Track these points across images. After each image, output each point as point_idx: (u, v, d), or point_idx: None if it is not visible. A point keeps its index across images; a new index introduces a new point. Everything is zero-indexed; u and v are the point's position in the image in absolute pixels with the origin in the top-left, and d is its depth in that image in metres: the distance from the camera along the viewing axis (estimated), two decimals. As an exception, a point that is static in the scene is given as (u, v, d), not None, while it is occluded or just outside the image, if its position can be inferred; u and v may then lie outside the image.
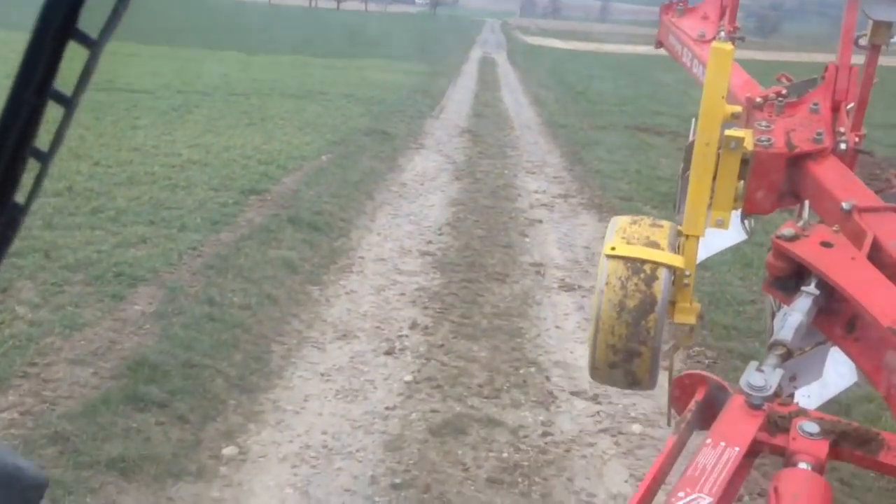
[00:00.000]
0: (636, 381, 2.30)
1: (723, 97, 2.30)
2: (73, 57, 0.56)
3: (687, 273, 2.33)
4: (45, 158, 0.57)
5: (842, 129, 2.54)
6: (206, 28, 46.18)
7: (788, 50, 62.36)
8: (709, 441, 1.49)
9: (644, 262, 2.20)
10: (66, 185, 8.14)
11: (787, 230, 2.08)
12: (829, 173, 2.41)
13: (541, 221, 9.52)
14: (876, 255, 1.97)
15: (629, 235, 2.28)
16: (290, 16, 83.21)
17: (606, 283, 2.22)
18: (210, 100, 17.05)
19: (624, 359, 2.24)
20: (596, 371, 2.34)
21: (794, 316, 1.89)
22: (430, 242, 8.29)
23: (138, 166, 9.35)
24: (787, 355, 1.82)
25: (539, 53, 50.19)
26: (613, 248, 2.25)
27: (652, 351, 2.22)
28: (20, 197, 0.57)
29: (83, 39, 0.56)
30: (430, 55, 36.88)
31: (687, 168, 2.47)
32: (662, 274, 2.20)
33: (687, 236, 2.37)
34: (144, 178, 8.86)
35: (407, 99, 20.17)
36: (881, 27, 2.56)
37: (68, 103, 0.57)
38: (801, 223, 2.14)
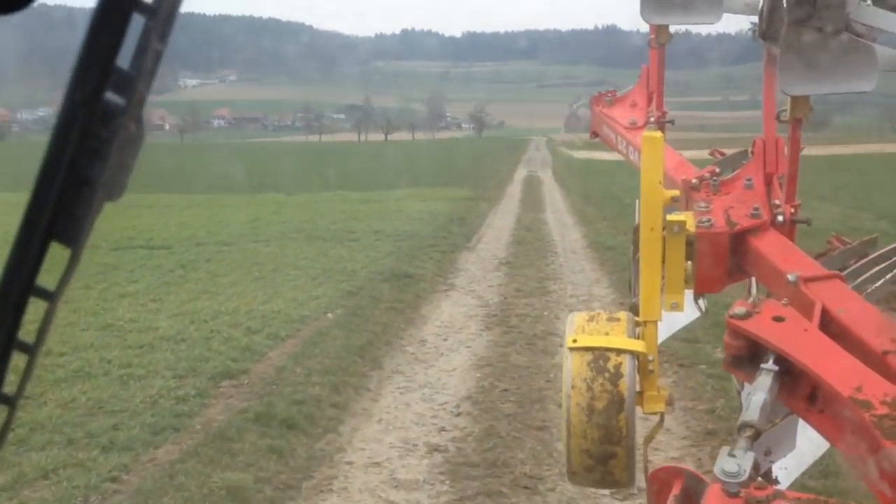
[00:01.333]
0: (615, 481, 2.31)
1: (660, 182, 2.37)
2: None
3: (650, 358, 2.36)
4: (31, 350, 0.58)
5: (777, 202, 2.62)
6: (250, 172, 46.48)
7: (840, 143, 60.54)
8: None
9: (607, 351, 2.24)
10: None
11: (739, 309, 2.04)
12: (770, 247, 2.46)
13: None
14: (827, 324, 2.02)
15: (588, 331, 2.32)
16: (337, 152, 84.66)
17: (573, 387, 2.24)
18: (226, 251, 15.83)
19: (599, 461, 2.26)
20: (574, 475, 2.34)
21: (757, 395, 1.83)
22: (442, 430, 6.47)
23: (96, 352, 7.83)
24: (757, 435, 1.75)
25: (585, 167, 49.06)
26: (575, 341, 2.29)
27: (627, 450, 2.23)
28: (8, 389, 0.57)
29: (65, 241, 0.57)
30: (473, 179, 35.88)
31: (636, 251, 2.52)
32: (627, 368, 2.23)
33: (645, 322, 2.40)
34: (97, 368, 7.31)
35: (441, 230, 18.73)
36: (799, 101, 2.59)
37: (52, 298, 0.58)
38: (751, 299, 2.12)
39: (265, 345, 8.28)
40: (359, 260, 14.32)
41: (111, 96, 0.56)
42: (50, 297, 0.57)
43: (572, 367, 2.26)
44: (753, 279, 2.57)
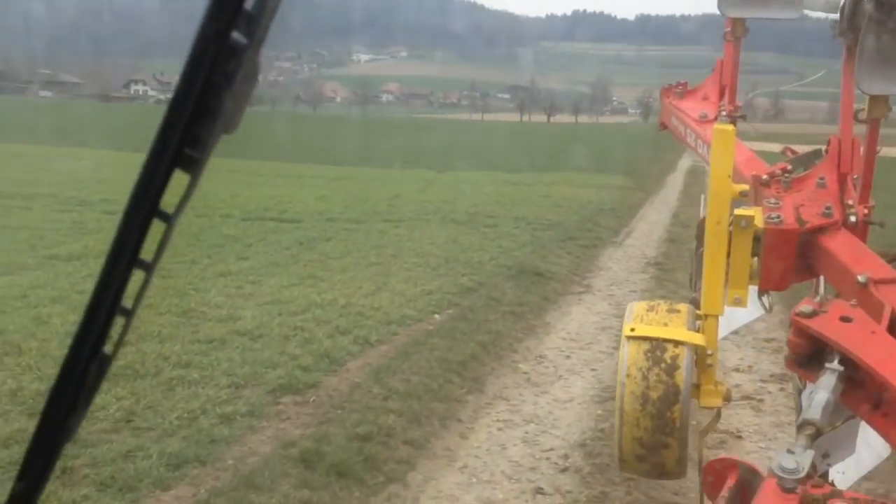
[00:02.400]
0: (666, 472, 2.30)
1: (729, 176, 2.37)
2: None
3: (709, 352, 2.34)
4: (130, 314, 0.63)
5: (850, 202, 2.54)
6: (407, 147, 45.99)
7: None
8: None
9: (664, 343, 2.23)
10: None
11: (805, 307, 2.05)
12: (841, 247, 2.38)
13: (740, 436, 5.95)
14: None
15: (647, 321, 2.31)
16: (498, 131, 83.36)
17: (627, 375, 2.23)
18: (353, 230, 14.82)
19: (651, 451, 2.23)
20: (624, 463, 2.31)
21: (820, 394, 1.84)
22: (539, 493, 4.98)
23: (159, 344, 6.83)
24: (817, 434, 1.77)
25: (759, 159, 45.17)
26: (633, 329, 2.29)
27: (680, 441, 2.21)
28: (108, 348, 0.62)
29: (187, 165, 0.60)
30: (633, 166, 33.54)
31: (700, 246, 2.56)
32: (684, 361, 2.23)
33: (706, 316, 2.40)
34: (149, 365, 6.28)
35: (588, 221, 16.99)
36: (878, 101, 2.49)
37: (148, 268, 0.62)
38: (818, 299, 2.11)
39: (349, 351, 7.03)
40: (489, 249, 12.90)
41: (237, 35, 0.58)
42: (169, 219, 0.61)
43: (628, 356, 2.28)
44: (821, 278, 2.57)
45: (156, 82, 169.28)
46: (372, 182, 26.30)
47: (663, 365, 2.21)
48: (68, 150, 34.95)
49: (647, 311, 2.38)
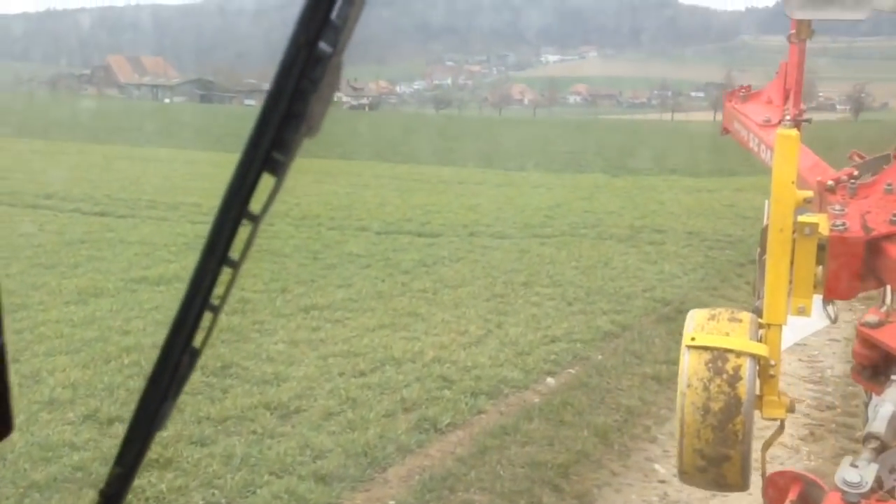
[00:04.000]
0: (727, 484, 2.28)
1: (792, 183, 2.32)
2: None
3: (772, 363, 2.29)
4: (217, 310, 0.65)
5: None
6: (584, 149, 43.35)
7: None
8: None
9: (726, 353, 2.19)
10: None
11: (871, 317, 2.02)
12: None
13: None
14: None
15: (708, 330, 2.27)
16: (687, 131, 78.31)
17: (688, 386, 2.19)
18: (493, 248, 12.85)
19: (713, 463, 2.20)
20: (685, 475, 2.30)
21: (885, 407, 1.79)
22: None
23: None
24: (882, 448, 1.73)
25: None
26: (693, 339, 2.23)
27: (742, 454, 2.17)
28: (197, 343, 0.64)
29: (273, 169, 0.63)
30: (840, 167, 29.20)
31: (763, 252, 2.47)
32: (746, 372, 2.18)
33: (768, 325, 2.33)
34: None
35: (779, 239, 13.98)
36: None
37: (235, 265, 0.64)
38: (884, 309, 2.11)
39: (400, 445, 5.02)
40: (646, 276, 10.49)
41: (323, 45, 0.62)
42: (255, 220, 0.63)
43: (689, 366, 2.25)
44: (888, 288, 2.57)
45: (350, 88, 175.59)
46: (536, 189, 24.19)
47: (725, 376, 2.19)
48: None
49: (709, 320, 2.33)
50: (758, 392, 2.29)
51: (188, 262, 10.85)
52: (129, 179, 22.15)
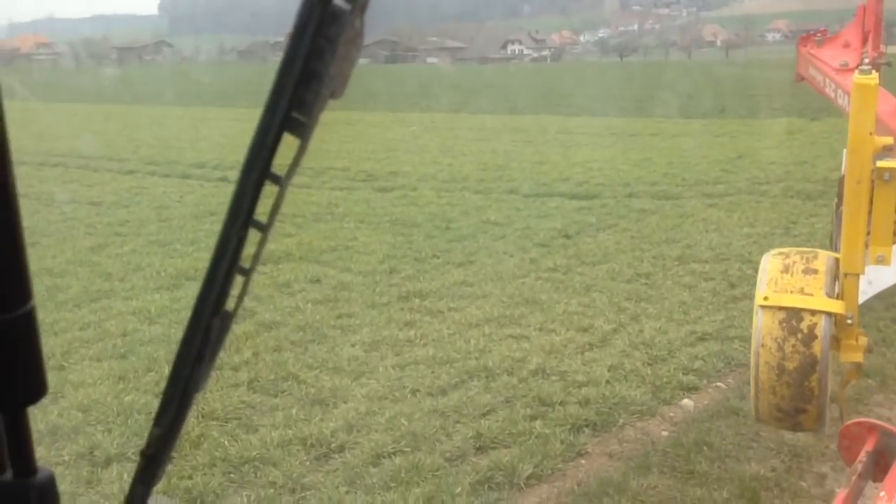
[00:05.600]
0: (804, 429, 2.35)
1: (871, 132, 2.24)
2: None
3: (849, 317, 2.25)
4: (248, 273, 0.64)
5: None
6: (781, 91, 39.22)
7: None
8: (883, 494, 1.53)
9: (801, 313, 2.12)
10: None
11: None
12: None
13: None
14: None
15: (782, 285, 2.20)
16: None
17: (762, 345, 2.18)
18: (651, 211, 11.11)
19: (789, 415, 2.19)
20: (761, 421, 2.35)
21: None
22: None
23: None
24: None
25: None
26: (766, 298, 2.20)
27: (819, 407, 2.17)
28: (230, 305, 0.63)
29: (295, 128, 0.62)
30: None
31: (841, 203, 2.37)
32: (822, 329, 2.15)
33: (846, 275, 2.29)
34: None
35: None
36: None
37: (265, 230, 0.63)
38: None
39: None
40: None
41: (338, 1, 0.59)
42: (280, 181, 0.62)
43: (762, 325, 2.19)
44: None
45: (531, 41, 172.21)
46: (716, 138, 21.70)
47: (800, 335, 2.11)
48: (413, 115, 34.52)
49: (782, 272, 2.23)
50: (834, 334, 2.23)
51: (306, 237, 9.99)
52: (285, 145, 21.91)
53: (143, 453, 0.67)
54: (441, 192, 13.69)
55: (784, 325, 2.18)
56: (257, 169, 0.60)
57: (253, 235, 0.62)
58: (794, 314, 2.18)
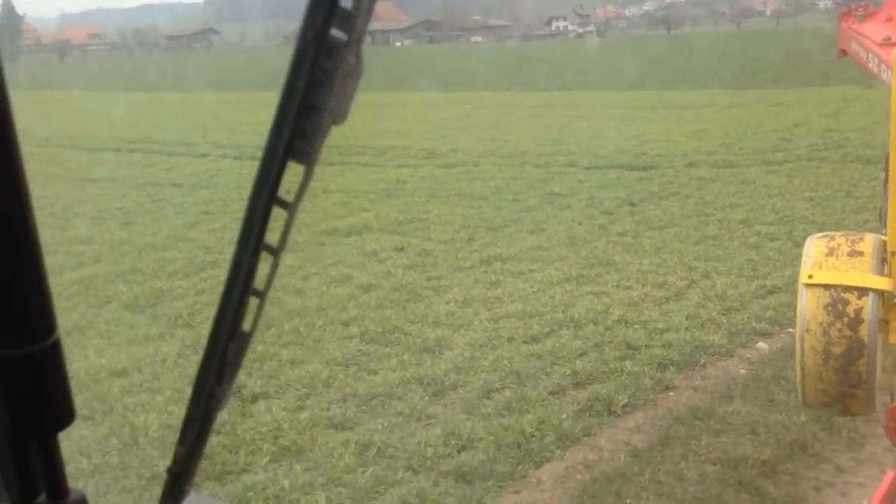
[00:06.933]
0: (852, 414, 2.31)
1: None
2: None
3: None
4: (262, 295, 0.65)
5: None
6: (833, 60, 38.60)
7: None
8: None
9: (846, 296, 2.08)
10: None
11: None
12: None
13: None
14: None
15: (827, 266, 2.18)
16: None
17: (807, 330, 2.13)
18: (712, 179, 11.45)
19: (836, 400, 2.16)
20: (808, 406, 2.31)
21: None
22: None
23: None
24: None
25: None
26: (811, 276, 2.17)
27: (867, 391, 2.12)
28: (246, 326, 0.65)
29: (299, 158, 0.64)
30: None
31: (888, 180, 2.33)
32: (868, 313, 2.08)
33: (892, 253, 2.21)
34: None
35: None
36: None
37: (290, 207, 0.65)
38: None
39: (565, 433, 4.18)
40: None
41: (335, 32, 0.61)
42: (288, 207, 0.64)
43: (807, 309, 2.14)
44: None
45: (576, 17, 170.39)
46: (772, 108, 21.74)
47: (846, 320, 2.08)
48: (463, 94, 34.80)
49: (827, 255, 2.22)
50: (883, 317, 2.15)
51: (382, 210, 10.57)
52: (344, 125, 22.50)
53: (169, 471, 0.69)
54: (502, 167, 14.15)
55: (829, 309, 2.12)
56: (265, 195, 0.62)
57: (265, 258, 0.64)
58: (839, 298, 2.11)
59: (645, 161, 13.72)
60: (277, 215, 0.62)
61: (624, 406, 4.49)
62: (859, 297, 2.12)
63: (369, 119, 24.67)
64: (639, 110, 23.47)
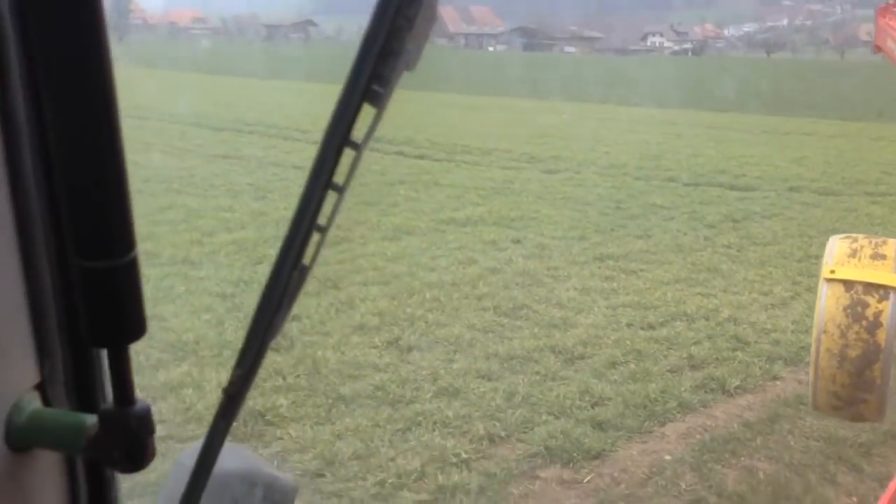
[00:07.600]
0: (863, 420, 2.34)
1: None
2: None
3: None
4: (324, 231, 0.67)
5: None
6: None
7: None
8: None
9: (866, 299, 2.10)
10: None
11: None
12: None
13: None
14: None
15: (849, 266, 2.16)
16: None
17: (824, 331, 2.15)
18: (815, 204, 11.83)
19: (848, 404, 2.18)
20: (818, 409, 2.33)
21: None
22: None
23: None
24: None
25: None
26: (833, 272, 2.16)
27: (879, 397, 2.15)
28: (306, 260, 0.68)
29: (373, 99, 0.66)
30: None
31: None
32: (887, 318, 2.08)
33: None
34: None
35: None
36: None
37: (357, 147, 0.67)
38: None
39: (685, 402, 4.84)
40: None
41: None
42: (358, 147, 0.65)
43: (825, 310, 2.15)
44: None
45: (673, 33, 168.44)
46: (875, 142, 21.73)
47: (864, 323, 2.09)
48: (560, 103, 35.40)
49: (849, 256, 2.20)
50: None
51: (494, 206, 11.28)
52: (447, 125, 23.36)
53: (225, 391, 0.72)
54: (604, 176, 14.73)
55: (848, 311, 2.13)
56: (339, 135, 0.64)
57: (331, 197, 0.65)
58: (859, 300, 2.12)
59: (746, 182, 14.12)
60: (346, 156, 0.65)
61: (736, 387, 5.10)
62: (879, 301, 2.11)
63: (473, 122, 25.52)
64: (738, 132, 23.68)
